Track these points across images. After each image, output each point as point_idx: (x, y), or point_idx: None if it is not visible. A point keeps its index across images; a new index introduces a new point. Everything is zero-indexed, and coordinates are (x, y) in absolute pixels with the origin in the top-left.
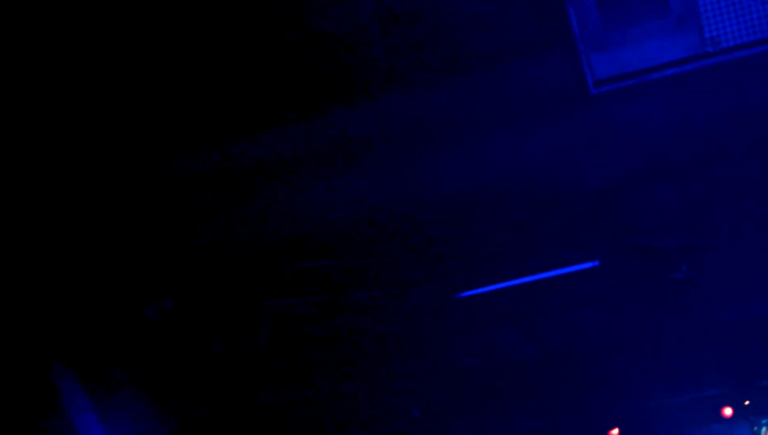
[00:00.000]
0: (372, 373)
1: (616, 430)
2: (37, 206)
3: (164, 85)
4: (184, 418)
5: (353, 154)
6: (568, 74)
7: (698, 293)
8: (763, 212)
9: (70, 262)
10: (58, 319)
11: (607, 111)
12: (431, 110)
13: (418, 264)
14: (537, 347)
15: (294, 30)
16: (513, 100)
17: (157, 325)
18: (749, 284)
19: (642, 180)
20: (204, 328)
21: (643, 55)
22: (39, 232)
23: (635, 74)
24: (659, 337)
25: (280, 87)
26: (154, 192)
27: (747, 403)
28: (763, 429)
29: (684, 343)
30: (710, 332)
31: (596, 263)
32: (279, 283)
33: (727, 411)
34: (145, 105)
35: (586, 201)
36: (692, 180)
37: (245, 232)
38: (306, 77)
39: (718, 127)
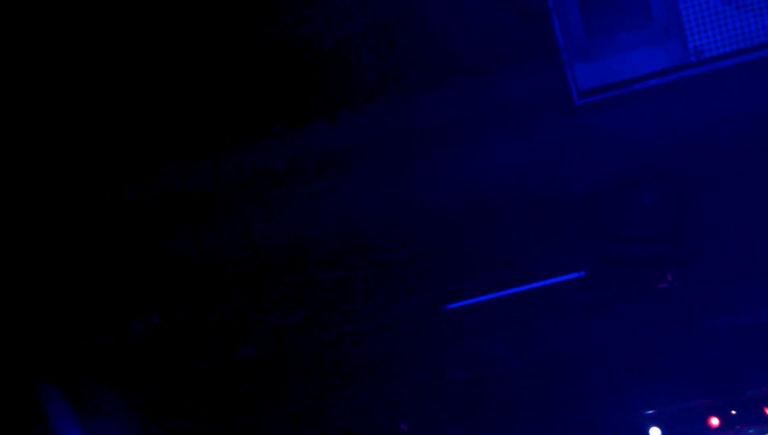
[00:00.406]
0: (359, 387)
1: None
2: (21, 224)
3: (149, 101)
4: (171, 433)
5: (340, 166)
6: (554, 83)
7: (684, 302)
8: (748, 220)
9: (56, 278)
10: (43, 335)
11: (593, 119)
12: (417, 120)
13: (404, 276)
14: (524, 358)
15: (281, 41)
16: (498, 110)
17: (144, 341)
18: (735, 293)
19: (628, 188)
20: (190, 343)
21: (627, 65)
22: (23, 251)
23: (619, 85)
24: (646, 347)
25: (267, 99)
26: (140, 207)
27: (734, 413)
28: None
29: (671, 353)
30: (697, 342)
31: (582, 273)
32: (265, 297)
33: (714, 421)
34: (131, 120)
35: (573, 209)
36: (677, 188)
37: (231, 245)
38: (293, 88)
39: (703, 136)
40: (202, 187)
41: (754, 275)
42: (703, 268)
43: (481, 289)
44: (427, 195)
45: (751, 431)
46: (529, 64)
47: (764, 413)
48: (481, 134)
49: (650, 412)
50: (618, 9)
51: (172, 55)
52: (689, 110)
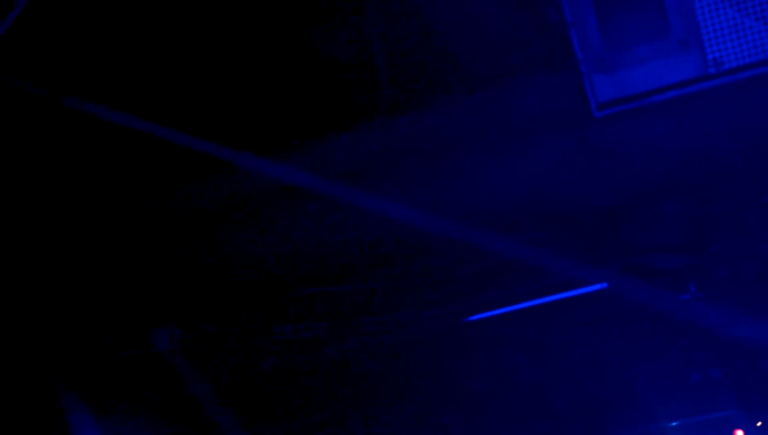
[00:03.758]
0: (379, 399)
1: None
2: (45, 234)
3: (169, 111)
4: None
5: (358, 179)
6: (572, 95)
7: (708, 314)
8: None
9: (78, 289)
10: (66, 347)
11: (612, 131)
12: (436, 133)
13: (425, 288)
14: (545, 369)
15: (299, 55)
16: (517, 122)
17: (165, 352)
18: (758, 304)
19: (648, 200)
20: (212, 355)
21: (646, 77)
22: (47, 260)
23: (638, 97)
24: (668, 359)
25: (285, 113)
26: (161, 220)
27: (759, 424)
28: None
29: (694, 364)
30: (720, 353)
31: (604, 285)
32: (286, 309)
33: (739, 433)
34: (149, 134)
35: (593, 221)
36: (698, 199)
37: (252, 258)
38: (310, 102)
39: (723, 147)
40: (222, 199)
41: None
42: (725, 280)
43: (502, 301)
44: (446, 207)
45: None
46: (548, 76)
47: None
48: (500, 146)
49: (674, 424)
50: (636, 21)
51: (190, 68)
52: (709, 122)
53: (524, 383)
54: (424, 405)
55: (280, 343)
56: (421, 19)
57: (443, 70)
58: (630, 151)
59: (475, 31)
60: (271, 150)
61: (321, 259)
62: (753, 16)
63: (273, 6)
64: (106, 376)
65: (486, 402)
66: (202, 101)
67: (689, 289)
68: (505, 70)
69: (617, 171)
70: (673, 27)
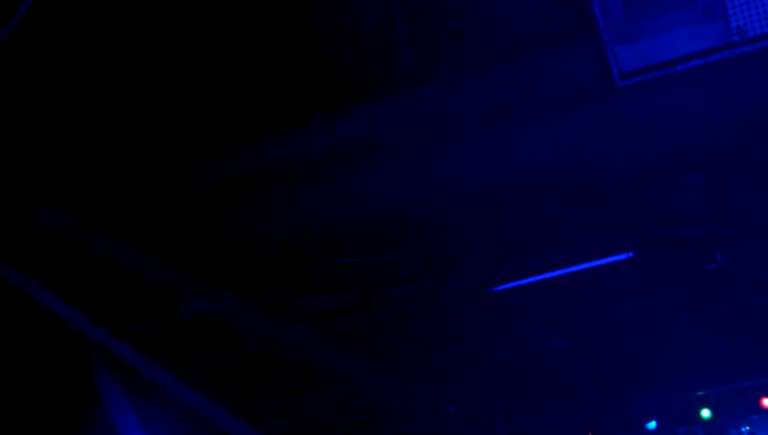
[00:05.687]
0: (406, 369)
1: (654, 423)
2: (75, 206)
3: (194, 89)
4: (222, 416)
5: (383, 151)
6: (595, 65)
7: (734, 282)
8: None
9: (107, 262)
10: (97, 319)
11: (635, 100)
12: (459, 104)
13: (450, 259)
14: (572, 339)
15: (320, 27)
16: (540, 93)
17: (193, 325)
18: None
19: (672, 169)
20: (239, 326)
21: (669, 46)
22: (76, 234)
23: (661, 65)
24: (695, 327)
25: (307, 86)
26: (189, 193)
27: None
28: None
29: (721, 333)
30: (747, 322)
31: (630, 254)
32: (313, 281)
33: (767, 402)
34: (178, 108)
35: (618, 191)
36: (723, 168)
37: (278, 230)
38: (333, 75)
39: (748, 115)
40: (247, 173)
41: None
42: (751, 248)
43: (529, 271)
44: (470, 180)
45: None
46: (571, 46)
47: None
48: (524, 117)
49: (701, 393)
50: None
51: (212, 43)
52: (733, 90)
53: (550, 353)
54: (450, 375)
55: (307, 314)
56: None
57: (465, 42)
58: (654, 120)
59: (497, 2)
60: (293, 124)
61: (346, 231)
62: None
63: None
64: (136, 347)
65: (511, 372)
66: (222, 78)
67: (716, 258)
68: (527, 40)
69: (641, 141)
70: None
